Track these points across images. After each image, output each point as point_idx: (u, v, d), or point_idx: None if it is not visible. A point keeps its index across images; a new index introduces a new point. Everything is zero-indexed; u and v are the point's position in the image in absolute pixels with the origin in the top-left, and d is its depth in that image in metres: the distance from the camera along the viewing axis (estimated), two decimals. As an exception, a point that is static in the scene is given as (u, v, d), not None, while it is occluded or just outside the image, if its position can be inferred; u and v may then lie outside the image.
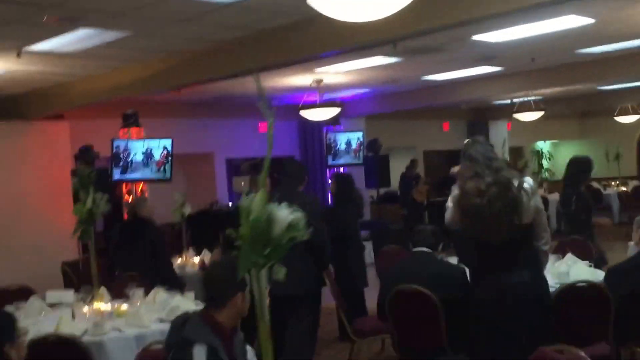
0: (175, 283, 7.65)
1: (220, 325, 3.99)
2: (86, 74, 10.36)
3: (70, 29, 7.71)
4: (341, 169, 14.80)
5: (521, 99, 16.75)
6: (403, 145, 18.67)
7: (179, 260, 9.44)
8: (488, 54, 11.33)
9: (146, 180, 12.12)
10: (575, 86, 15.23)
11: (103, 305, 6.18)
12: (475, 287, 5.17)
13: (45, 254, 11.77)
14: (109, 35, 8.14)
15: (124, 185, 12.06)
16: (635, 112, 20.16)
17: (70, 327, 5.35)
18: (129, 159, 11.69)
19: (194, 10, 7.28)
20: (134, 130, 12.10)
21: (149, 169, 11.91)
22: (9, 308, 6.25)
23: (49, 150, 12.23)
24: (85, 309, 6.12)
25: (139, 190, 12.28)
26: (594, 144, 23.81)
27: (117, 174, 11.47)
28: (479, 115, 20.95)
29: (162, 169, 12.02)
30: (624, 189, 19.80)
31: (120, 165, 11.59)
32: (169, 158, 12.07)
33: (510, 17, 7.68)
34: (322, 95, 12.94)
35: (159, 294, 6.48)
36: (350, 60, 10.74)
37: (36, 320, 5.96)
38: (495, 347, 4.95)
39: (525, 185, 4.99)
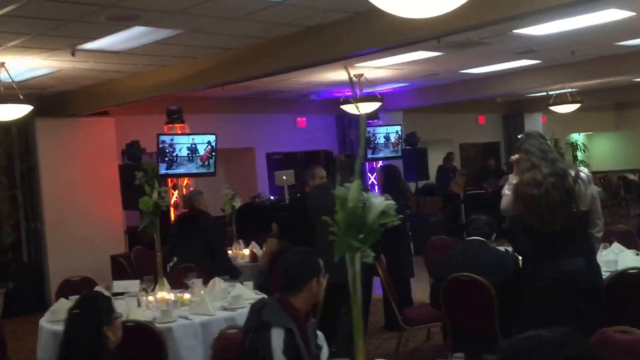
0: (232, 273, 7.85)
1: (296, 309, 4.18)
2: (134, 71, 10.58)
3: (125, 27, 7.92)
4: (380, 163, 14.93)
5: (557, 91, 16.79)
6: (440, 139, 18.77)
7: (230, 252, 9.61)
8: (528, 47, 11.43)
9: (191, 175, 12.34)
10: (613, 78, 15.26)
11: (166, 294, 6.39)
12: (530, 274, 5.31)
13: (94, 246, 12.11)
14: (161, 34, 8.33)
15: (169, 180, 12.25)
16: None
17: (139, 315, 5.55)
18: (174, 154, 11.90)
19: (245, 7, 7.42)
20: (178, 125, 12.31)
21: (194, 164, 12.13)
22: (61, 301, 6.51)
23: (96, 145, 12.53)
24: (150, 298, 6.33)
25: (184, 184, 12.50)
26: (630, 135, 23.81)
27: (162, 169, 11.67)
28: (514, 108, 21.01)
29: (206, 163, 12.24)
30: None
31: (166, 160, 11.80)
32: (213, 153, 12.29)
33: (552, 11, 7.78)
34: (362, 90, 13.07)
35: (218, 283, 6.68)
36: (391, 55, 10.88)
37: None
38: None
39: (582, 174, 5.13)
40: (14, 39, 8.08)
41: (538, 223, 5.11)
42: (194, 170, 12.19)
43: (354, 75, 12.40)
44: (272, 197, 14.44)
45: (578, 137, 24.86)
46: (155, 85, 10.66)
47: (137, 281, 6.85)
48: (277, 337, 4.01)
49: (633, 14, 9.25)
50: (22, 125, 11.67)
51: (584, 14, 9.07)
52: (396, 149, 15.36)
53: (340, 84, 13.80)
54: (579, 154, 24.54)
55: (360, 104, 12.44)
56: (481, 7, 6.76)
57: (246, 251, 9.79)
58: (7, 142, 12.11)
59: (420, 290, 9.51)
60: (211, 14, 7.57)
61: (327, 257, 6.74)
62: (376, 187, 15.02)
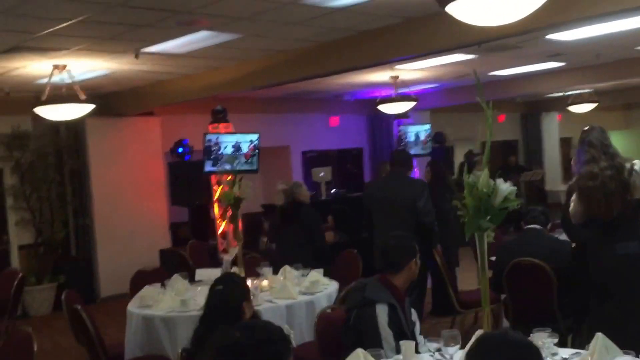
0: (328, 261, 8.21)
1: (397, 287, 4.54)
2: (186, 73, 10.92)
3: (192, 32, 8.26)
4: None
5: (574, 92, 17.13)
6: (463, 137, 19.12)
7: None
8: (556, 51, 11.73)
9: (235, 172, 12.67)
10: (632, 80, 15.59)
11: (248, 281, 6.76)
12: (590, 258, 5.65)
13: (141, 240, 12.45)
14: (223, 37, 8.61)
15: (212, 177, 12.61)
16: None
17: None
18: (219, 152, 12.25)
19: (307, 14, 7.70)
20: (222, 125, 12.66)
21: (238, 161, 12.47)
22: (153, 286, 6.87)
23: (142, 144, 12.88)
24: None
25: (228, 180, 12.84)
26: (636, 133, 24.19)
27: (208, 166, 12.03)
28: (532, 108, 21.34)
29: (249, 161, 12.59)
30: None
31: (212, 158, 12.16)
32: (256, 151, 12.64)
33: (586, 19, 8.07)
34: (396, 90, 13.42)
35: (288, 271, 7.04)
36: (429, 57, 11.20)
37: (187, 294, 6.53)
38: (612, 312, 5.43)
39: (636, 167, 5.47)
40: (80, 43, 8.38)
41: (596, 211, 5.44)
42: (239, 167, 12.53)
43: (391, 76, 12.77)
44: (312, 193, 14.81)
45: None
46: (204, 86, 11.00)
47: (219, 269, 7.21)
48: (382, 312, 4.36)
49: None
50: (72, 124, 11.94)
51: (613, 21, 9.34)
52: (425, 146, 15.74)
53: (374, 85, 14.11)
54: (592, 152, 24.80)
55: (396, 103, 12.80)
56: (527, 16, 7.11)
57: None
58: (56, 140, 12.42)
59: (465, 279, 9.84)
60: (274, 19, 7.86)
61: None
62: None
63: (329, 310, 5.21)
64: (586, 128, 5.74)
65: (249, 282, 6.70)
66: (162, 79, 11.27)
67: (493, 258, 7.95)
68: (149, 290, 6.61)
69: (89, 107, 9.61)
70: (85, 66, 9.61)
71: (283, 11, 7.54)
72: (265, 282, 6.67)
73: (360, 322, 4.43)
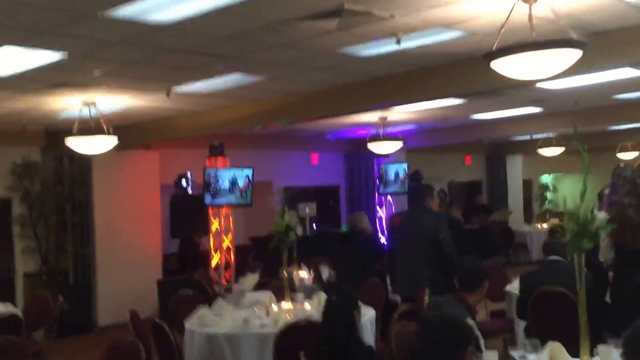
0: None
1: (470, 305, 5.52)
2: (196, 110, 11.76)
3: (226, 73, 9.16)
4: (389, 198, 16.45)
5: (539, 135, 18.48)
6: (431, 176, 20.32)
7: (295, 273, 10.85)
8: (540, 97, 12.93)
9: (231, 205, 13.63)
10: (607, 126, 16.98)
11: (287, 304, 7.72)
12: (615, 284, 6.69)
13: (138, 270, 13.25)
14: (249, 79, 9.53)
15: (210, 209, 13.52)
16: (635, 149, 22.11)
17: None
18: (217, 186, 13.19)
19: (336, 61, 8.66)
20: (219, 159, 13.59)
21: (234, 195, 13.42)
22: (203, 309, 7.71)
23: (142, 177, 13.72)
24: (275, 307, 7.65)
25: (223, 213, 13.78)
26: (594, 177, 25.65)
27: (208, 199, 12.96)
28: (496, 149, 22.69)
29: (244, 195, 13.55)
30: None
31: (210, 191, 13.07)
32: (250, 185, 13.60)
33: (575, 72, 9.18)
34: (378, 130, 14.45)
35: (320, 296, 8.00)
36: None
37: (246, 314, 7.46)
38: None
39: None
40: (118, 81, 9.24)
41: (622, 241, 6.51)
42: (234, 201, 13.48)
43: (380, 117, 13.83)
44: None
45: (547, 179, 26.64)
46: (210, 124, 11.90)
47: (268, 292, 8.14)
48: (462, 327, 5.33)
49: (642, 72, 10.72)
50: (77, 156, 12.72)
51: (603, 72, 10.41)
52: (403, 185, 16.88)
53: (359, 125, 15.16)
54: (549, 194, 26.30)
55: (385, 143, 13.86)
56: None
57: (302, 273, 11.03)
58: (62, 171, 13.17)
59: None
60: (303, 64, 8.83)
61: (402, 271, 8.15)
62: (383, 219, 16.54)
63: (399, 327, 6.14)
64: (622, 164, 6.80)
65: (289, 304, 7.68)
66: (171, 115, 12.06)
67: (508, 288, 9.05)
68: (206, 311, 7.47)
69: (115, 140, 10.39)
70: (112, 102, 10.41)
71: (315, 59, 8.50)
72: (307, 306, 7.62)
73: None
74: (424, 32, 7.44)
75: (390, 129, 14.64)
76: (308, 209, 15.31)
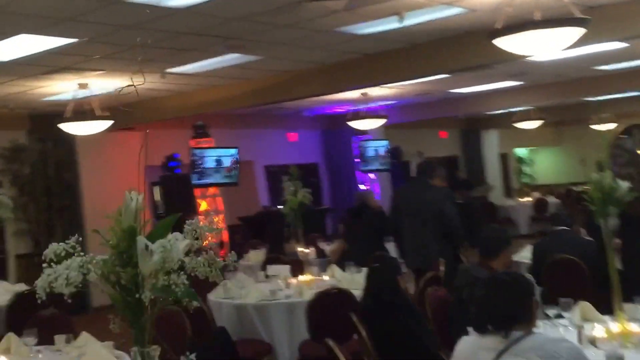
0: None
1: (495, 270, 6.19)
2: (187, 90, 12.27)
3: (225, 54, 9.70)
4: (371, 175, 17.12)
5: (519, 109, 19.20)
6: (409, 152, 21.00)
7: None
8: (521, 70, 13.58)
9: (217, 184, 14.21)
10: (585, 97, 17.76)
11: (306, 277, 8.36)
12: (624, 253, 7.40)
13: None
14: (246, 59, 10.08)
15: (196, 190, 14.09)
16: (611, 121, 22.98)
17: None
18: (203, 166, 13.75)
19: (333, 39, 9.25)
20: (204, 140, 14.14)
21: (220, 175, 14.00)
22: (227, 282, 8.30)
23: (125, 158, 14.19)
24: (294, 280, 8.31)
25: (210, 193, 14.36)
26: (568, 150, 26.63)
27: (194, 179, 13.53)
28: (472, 124, 23.43)
29: (230, 174, 14.13)
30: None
31: (196, 171, 13.64)
32: (237, 165, 14.18)
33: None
34: (357, 106, 15.03)
35: (336, 271, 8.63)
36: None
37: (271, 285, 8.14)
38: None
39: None
40: (114, 65, 9.69)
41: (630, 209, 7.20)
42: (220, 180, 14.06)
43: (362, 93, 14.41)
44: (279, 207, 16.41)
45: (522, 152, 27.51)
46: (199, 103, 12.42)
47: (288, 266, 8.77)
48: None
49: (626, 45, 11.40)
50: (63, 138, 13.20)
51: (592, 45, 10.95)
52: (384, 162, 17.55)
53: (334, 102, 15.75)
54: (526, 169, 27.22)
55: (367, 120, 14.46)
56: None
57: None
58: (49, 154, 13.64)
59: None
60: (301, 44, 9.40)
61: (410, 245, 8.79)
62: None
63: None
64: (621, 135, 7.52)
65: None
66: (158, 95, 12.54)
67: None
68: (230, 284, 8.09)
69: (108, 123, 10.87)
70: (105, 84, 10.86)
71: (314, 38, 9.08)
72: (326, 277, 8.30)
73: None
74: (426, 9, 8.04)
75: (369, 105, 15.15)
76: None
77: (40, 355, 5.77)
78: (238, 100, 12.11)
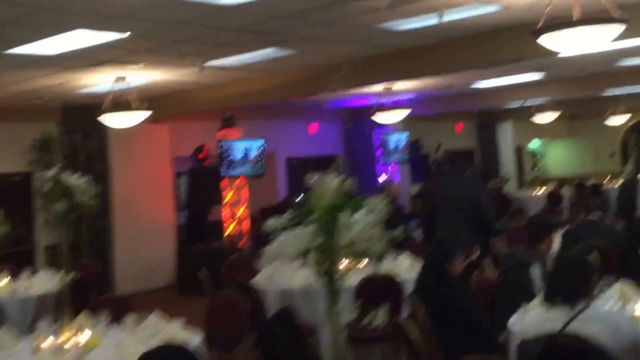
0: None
1: (540, 253, 6.70)
2: (219, 83, 12.68)
3: (260, 48, 10.13)
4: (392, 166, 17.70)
5: (536, 102, 19.66)
6: (426, 145, 21.49)
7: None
8: (546, 64, 13.93)
9: (245, 176, 14.72)
10: (603, 91, 18.23)
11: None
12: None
13: (153, 241, 14.28)
14: (282, 53, 10.49)
15: (224, 180, 14.59)
16: (624, 113, 23.50)
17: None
18: (231, 158, 14.24)
19: (372, 35, 9.66)
20: (231, 131, 14.62)
21: (247, 166, 14.48)
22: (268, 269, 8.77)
23: (153, 150, 14.69)
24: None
25: (236, 184, 14.86)
26: (580, 143, 27.16)
27: (223, 170, 14.03)
28: (487, 117, 23.92)
29: (257, 165, 14.62)
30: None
31: (225, 162, 14.12)
32: (263, 156, 14.66)
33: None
34: (379, 99, 15.44)
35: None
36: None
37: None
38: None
39: None
40: (153, 59, 10.16)
41: None
42: (247, 172, 14.55)
43: (385, 86, 14.83)
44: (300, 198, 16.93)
45: (535, 145, 27.97)
46: (230, 96, 12.86)
47: None
48: (536, 271, 6.49)
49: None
50: (94, 131, 13.73)
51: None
52: (404, 154, 18.05)
53: (356, 95, 16.17)
54: (539, 161, 27.72)
55: (391, 112, 14.91)
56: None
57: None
58: (80, 146, 14.11)
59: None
60: (337, 39, 9.80)
61: (445, 234, 9.25)
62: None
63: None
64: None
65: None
66: (190, 88, 12.99)
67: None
68: (271, 270, 8.57)
69: (145, 114, 11.33)
70: (143, 77, 11.31)
71: (353, 33, 9.52)
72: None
73: (518, 278, 6.51)
74: (464, 7, 8.50)
75: (391, 98, 15.54)
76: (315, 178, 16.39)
77: (115, 332, 6.21)
78: (267, 93, 12.55)
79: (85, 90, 12.30)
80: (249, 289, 7.82)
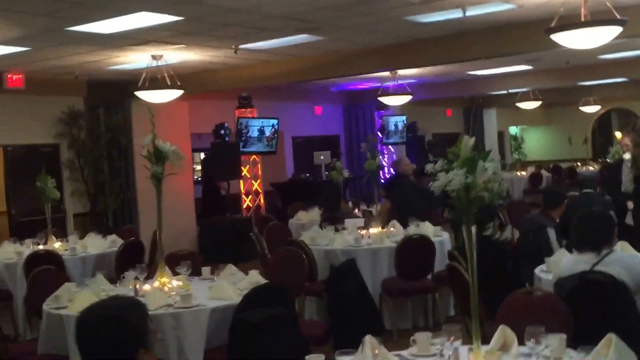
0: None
1: (553, 218, 7.56)
2: (246, 64, 13.26)
3: (293, 34, 10.76)
4: (391, 147, 18.52)
5: (522, 90, 20.60)
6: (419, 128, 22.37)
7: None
8: (537, 56, 14.80)
9: (259, 153, 15.48)
10: (584, 82, 19.28)
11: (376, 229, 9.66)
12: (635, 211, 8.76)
13: (175, 212, 14.94)
14: (311, 39, 11.09)
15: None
16: (596, 104, 24.61)
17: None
18: (248, 135, 14.99)
19: (398, 25, 10.38)
20: (248, 110, 15.37)
21: (262, 143, 15.25)
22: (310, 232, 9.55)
23: (174, 126, 15.34)
24: (365, 231, 9.62)
25: (251, 160, 15.64)
26: (556, 129, 28.22)
27: (241, 147, 14.80)
28: (472, 104, 24.85)
29: (270, 143, 15.39)
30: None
31: (242, 140, 14.87)
32: (276, 134, 15.43)
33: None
34: (383, 83, 16.24)
35: (397, 225, 9.90)
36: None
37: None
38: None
39: None
40: (190, 40, 10.71)
41: None
42: (262, 149, 15.32)
43: (391, 71, 15.60)
44: (307, 175, 17.81)
45: (515, 130, 29.01)
46: (248, 77, 13.55)
47: (362, 219, 10.08)
48: (551, 233, 7.36)
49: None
50: (119, 106, 14.43)
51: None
52: (403, 135, 18.91)
53: (362, 79, 16.94)
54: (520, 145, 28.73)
55: (395, 97, 15.72)
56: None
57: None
58: (103, 119, 14.73)
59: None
60: (366, 28, 10.48)
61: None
62: (386, 168, 18.53)
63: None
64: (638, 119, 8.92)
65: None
66: (212, 67, 13.58)
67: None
68: (313, 233, 9.57)
69: (179, 92, 11.99)
70: (176, 56, 11.91)
71: (381, 24, 10.24)
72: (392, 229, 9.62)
73: (537, 239, 7.38)
74: (485, 4, 9.32)
75: (392, 83, 16.29)
76: (323, 157, 17.25)
77: (197, 281, 6.96)
78: (287, 75, 13.21)
79: (115, 67, 12.81)
80: (303, 246, 8.59)
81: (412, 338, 4.23)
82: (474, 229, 3.59)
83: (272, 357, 5.06)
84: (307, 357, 3.85)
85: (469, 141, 3.57)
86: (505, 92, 21.46)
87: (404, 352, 4.20)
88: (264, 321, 5.22)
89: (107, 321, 2.86)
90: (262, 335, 5.14)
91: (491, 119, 25.59)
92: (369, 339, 3.95)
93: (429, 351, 4.12)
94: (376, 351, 3.89)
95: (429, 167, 3.69)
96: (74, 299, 6.15)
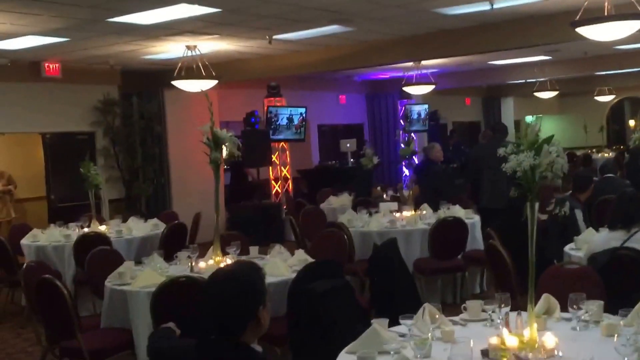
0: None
1: (581, 201, 7.90)
2: (274, 54, 13.51)
3: (324, 25, 11.00)
4: (413, 135, 18.84)
5: (538, 80, 20.86)
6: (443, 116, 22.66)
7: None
8: (557, 47, 15.03)
9: (288, 140, 15.84)
10: (601, 72, 19.58)
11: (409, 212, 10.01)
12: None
13: (205, 197, 15.29)
14: (341, 29, 11.36)
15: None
16: (610, 93, 24.88)
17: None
18: (278, 123, 15.34)
19: (426, 17, 10.65)
20: (277, 99, 15.72)
21: (290, 131, 15.61)
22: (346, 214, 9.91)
23: (204, 114, 15.67)
24: (398, 214, 9.97)
25: (280, 147, 16.01)
26: (570, 118, 28.50)
27: (270, 134, 15.15)
28: (491, 92, 25.20)
29: (298, 131, 15.74)
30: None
31: (272, 128, 15.23)
32: (304, 122, 15.78)
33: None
34: (405, 72, 16.52)
35: (427, 208, 10.24)
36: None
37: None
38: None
39: None
40: (224, 30, 10.98)
41: None
42: (291, 137, 15.68)
43: (414, 62, 15.91)
44: (334, 162, 18.21)
45: (530, 119, 29.23)
46: (279, 66, 13.86)
47: (396, 203, 10.44)
48: (579, 214, 7.70)
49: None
50: (152, 95, 14.81)
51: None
52: (425, 124, 19.25)
53: (385, 68, 17.22)
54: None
55: (419, 87, 16.04)
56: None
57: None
58: (137, 108, 15.05)
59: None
60: (394, 19, 10.70)
61: (491, 190, 10.31)
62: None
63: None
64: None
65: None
66: (244, 57, 13.87)
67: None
68: (350, 216, 9.96)
69: (214, 82, 12.30)
70: (209, 46, 12.20)
71: (410, 15, 10.47)
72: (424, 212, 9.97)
73: (566, 219, 7.72)
74: (512, -3, 9.64)
75: (416, 72, 16.57)
76: (349, 144, 17.62)
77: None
78: (316, 65, 13.51)
79: (149, 57, 13.09)
80: (342, 227, 8.96)
81: (463, 305, 4.58)
82: (537, 205, 3.90)
83: (338, 322, 5.43)
84: (373, 320, 4.19)
85: (535, 127, 3.89)
86: (523, 81, 21.72)
87: (455, 318, 4.54)
88: (327, 291, 5.59)
89: (235, 280, 3.25)
90: (328, 303, 5.52)
91: (508, 108, 25.88)
92: (427, 306, 4.30)
93: (479, 316, 4.46)
94: (437, 316, 4.23)
95: (500, 151, 3.98)
96: (137, 276, 6.47)
